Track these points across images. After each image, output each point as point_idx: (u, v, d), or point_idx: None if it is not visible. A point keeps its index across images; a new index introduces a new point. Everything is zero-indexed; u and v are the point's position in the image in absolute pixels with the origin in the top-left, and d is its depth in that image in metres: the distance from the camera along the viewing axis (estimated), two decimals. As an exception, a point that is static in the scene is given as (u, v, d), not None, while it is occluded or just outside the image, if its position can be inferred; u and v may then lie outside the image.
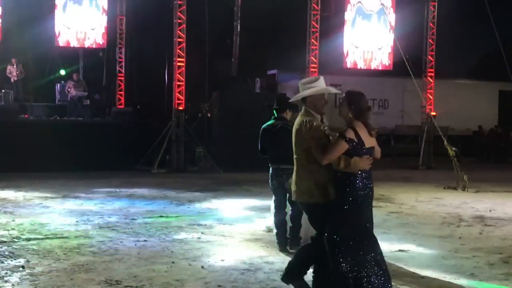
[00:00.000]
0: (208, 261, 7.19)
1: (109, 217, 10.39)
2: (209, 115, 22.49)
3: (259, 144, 8.38)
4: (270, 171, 8.14)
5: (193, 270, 6.78)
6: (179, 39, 20.71)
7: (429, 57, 24.43)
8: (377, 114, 29.39)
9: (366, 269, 5.26)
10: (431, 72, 24.65)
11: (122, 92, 24.99)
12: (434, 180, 18.05)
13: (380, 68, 25.25)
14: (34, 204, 11.80)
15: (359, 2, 24.01)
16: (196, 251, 7.77)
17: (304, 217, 7.85)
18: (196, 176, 18.79)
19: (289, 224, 7.97)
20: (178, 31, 20.64)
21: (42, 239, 8.41)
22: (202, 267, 6.90)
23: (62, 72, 24.51)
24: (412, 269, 7.02)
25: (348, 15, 23.67)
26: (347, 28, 23.65)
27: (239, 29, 22.24)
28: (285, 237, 7.95)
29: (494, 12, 20.32)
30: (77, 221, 9.89)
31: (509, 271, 6.97)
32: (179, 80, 20.81)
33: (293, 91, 27.01)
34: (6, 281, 6.19)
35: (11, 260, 7.08)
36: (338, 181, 5.40)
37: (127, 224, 9.71)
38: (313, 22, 22.59)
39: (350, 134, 5.34)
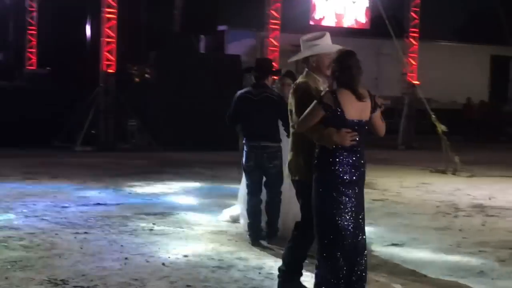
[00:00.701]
0: (169, 257, 7.24)
1: (34, 204, 10.38)
2: (146, 79, 22.25)
3: (231, 112, 8.39)
4: (246, 149, 8.21)
5: (152, 267, 6.84)
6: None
7: (412, 13, 24.71)
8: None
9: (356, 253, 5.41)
10: (415, 32, 24.97)
11: (33, 50, 24.66)
12: (418, 162, 18.55)
13: (355, 26, 25.50)
14: None
15: None
16: (151, 245, 7.81)
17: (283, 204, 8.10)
18: (131, 155, 18.80)
19: (263, 212, 8.14)
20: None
21: None
22: (163, 264, 6.96)
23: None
24: (411, 267, 7.18)
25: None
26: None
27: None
28: (259, 228, 8.10)
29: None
30: (-5, 210, 9.88)
31: None
32: (108, 36, 20.64)
33: (246, 52, 27.27)
34: None
35: None
36: (316, 158, 5.44)
37: (58, 213, 9.72)
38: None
39: (327, 99, 5.32)
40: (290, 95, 5.94)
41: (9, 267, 6.68)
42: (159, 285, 6.25)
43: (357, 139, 5.34)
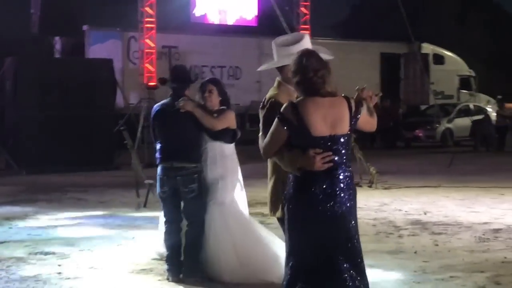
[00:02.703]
0: None
1: None
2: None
3: (152, 135, 8.23)
4: (158, 172, 7.89)
5: None
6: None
7: (302, 8, 25.05)
8: (228, 86, 29.94)
9: None
10: (306, 28, 25.32)
11: None
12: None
13: (241, 24, 25.53)
14: None
15: None
16: None
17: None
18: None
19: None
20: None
21: None
22: None
23: None
24: None
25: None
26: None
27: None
28: (179, 261, 7.78)
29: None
30: None
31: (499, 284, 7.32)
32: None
33: (110, 55, 26.68)
34: None
35: None
36: (289, 182, 5.09)
37: None
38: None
39: (288, 113, 4.93)
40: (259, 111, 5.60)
41: None
42: None
43: (335, 159, 4.92)
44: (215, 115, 7.69)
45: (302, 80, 5.01)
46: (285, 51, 5.56)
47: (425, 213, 12.55)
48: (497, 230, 10.85)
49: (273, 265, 7.44)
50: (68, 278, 7.94)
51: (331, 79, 5.03)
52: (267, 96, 5.66)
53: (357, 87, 5.31)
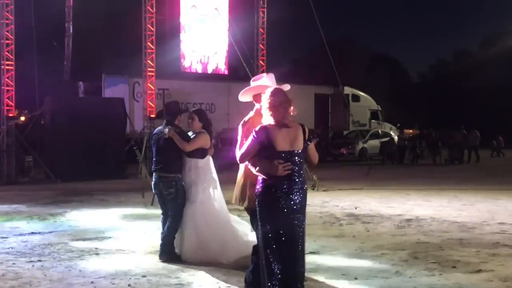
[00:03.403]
0: (130, 278, 6.59)
1: (-24, 237, 9.29)
2: (42, 122, 21.13)
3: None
4: (153, 178, 7.92)
5: None
6: (7, 41, 19.27)
7: (260, 61, 25.06)
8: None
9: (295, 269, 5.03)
10: (263, 60, 25.27)
11: None
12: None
13: (216, 72, 25.47)
14: None
15: (193, 6, 24.08)
16: (107, 268, 7.11)
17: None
18: (33, 188, 17.56)
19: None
20: (6, 32, 19.18)
21: None
22: (129, 285, 6.32)
23: None
24: (340, 272, 6.95)
25: (184, 19, 23.64)
26: (183, 32, 23.58)
27: (71, 31, 21.21)
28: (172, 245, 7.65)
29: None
30: None
31: (427, 266, 7.17)
32: (8, 85, 19.36)
33: (120, 95, 26.43)
34: None
35: None
36: (258, 183, 5.08)
37: (3, 244, 8.67)
38: (148, 25, 22.16)
39: (260, 134, 4.97)
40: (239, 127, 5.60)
41: (-12, 299, 5.83)
42: None
43: (293, 168, 4.94)
44: (194, 135, 7.58)
45: (270, 110, 5.03)
46: (256, 83, 5.68)
47: (355, 208, 12.52)
48: (409, 220, 10.85)
49: (226, 251, 7.34)
50: (103, 257, 7.79)
51: (290, 110, 5.07)
52: (247, 117, 5.69)
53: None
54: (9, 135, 19.23)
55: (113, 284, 6.40)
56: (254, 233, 5.70)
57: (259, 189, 5.04)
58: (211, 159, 7.81)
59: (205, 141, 7.60)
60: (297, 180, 5.00)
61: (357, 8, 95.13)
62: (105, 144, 20.26)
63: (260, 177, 5.02)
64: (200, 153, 7.58)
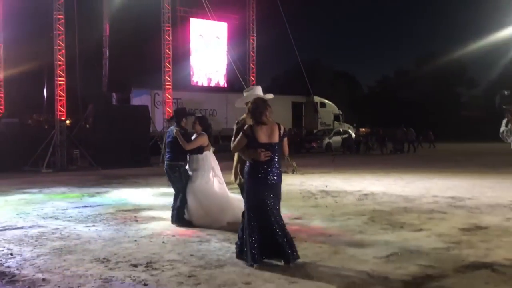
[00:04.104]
0: (163, 238, 6.64)
1: (42, 209, 9.30)
2: (87, 125, 21.11)
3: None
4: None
5: (158, 245, 6.26)
6: (59, 62, 19.28)
7: (251, 77, 25.16)
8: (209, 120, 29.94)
9: (272, 230, 5.18)
10: (254, 76, 25.40)
11: (2, 106, 22.72)
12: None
13: (217, 85, 25.49)
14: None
15: (200, 35, 24.08)
16: (145, 231, 7.15)
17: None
18: (80, 174, 17.59)
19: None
20: (59, 56, 19.19)
21: (2, 230, 7.25)
22: (163, 242, 6.39)
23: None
24: (320, 231, 7.02)
25: (193, 45, 23.67)
26: (193, 55, 23.61)
27: (107, 54, 21.21)
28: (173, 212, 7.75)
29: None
30: (17, 214, 8.73)
31: (382, 226, 7.27)
32: (60, 96, 19.37)
33: (144, 103, 26.44)
34: (8, 267, 5.28)
35: None
36: (246, 168, 5.31)
37: (64, 214, 8.73)
38: (166, 50, 22.20)
39: (247, 131, 5.22)
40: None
41: (59, 252, 5.88)
42: (172, 256, 5.68)
43: (271, 155, 5.18)
44: (195, 137, 7.60)
45: (253, 113, 5.24)
46: (249, 94, 5.84)
47: (326, 186, 12.57)
48: (366, 194, 10.94)
49: (224, 215, 7.40)
50: (142, 223, 7.82)
51: (269, 113, 5.27)
52: (240, 118, 5.90)
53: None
54: (61, 133, 19.26)
55: (151, 241, 6.48)
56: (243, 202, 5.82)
57: (247, 169, 5.26)
58: (211, 153, 7.76)
59: (203, 141, 7.60)
60: (273, 163, 5.23)
61: (323, 36, 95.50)
62: (134, 140, 20.35)
63: (248, 161, 5.24)
64: (197, 151, 7.59)
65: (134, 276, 4.89)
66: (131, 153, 19.86)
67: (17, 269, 5.21)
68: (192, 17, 24.52)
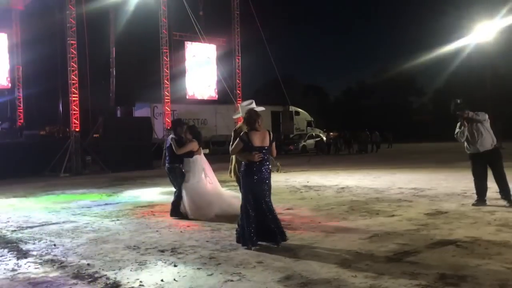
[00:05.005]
0: (180, 228, 6.75)
1: (69, 207, 9.30)
2: (98, 135, 21.01)
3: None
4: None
5: (177, 233, 6.36)
6: (73, 81, 19.18)
7: (238, 90, 25.30)
8: (200, 127, 29.97)
9: (265, 218, 5.37)
10: (239, 101, 25.51)
11: (22, 120, 22.50)
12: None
13: (209, 98, 25.59)
14: (-2, 204, 10.21)
15: (194, 55, 24.18)
16: (162, 223, 7.24)
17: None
18: (94, 176, 17.46)
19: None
20: (73, 76, 19.12)
21: (40, 226, 7.31)
22: (181, 231, 6.51)
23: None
24: (309, 219, 7.15)
25: (188, 64, 23.77)
26: (187, 73, 23.68)
27: (114, 73, 21.19)
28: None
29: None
30: (49, 212, 8.74)
31: (361, 213, 7.46)
32: (74, 110, 19.29)
33: (144, 115, 26.39)
34: (55, 255, 5.36)
35: (38, 242, 6.09)
36: (242, 167, 5.50)
37: (90, 211, 8.74)
38: (165, 69, 22.30)
39: (243, 136, 5.41)
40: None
41: (95, 243, 5.95)
42: (191, 242, 5.80)
43: (263, 157, 5.39)
44: (186, 144, 7.61)
45: (248, 122, 5.48)
46: (243, 108, 6.06)
47: (307, 182, 12.69)
48: (342, 188, 11.08)
49: (211, 208, 7.44)
50: (158, 217, 7.89)
51: (261, 122, 5.51)
52: (237, 126, 6.18)
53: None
54: (76, 142, 19.15)
55: (171, 231, 6.58)
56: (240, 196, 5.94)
57: (243, 168, 5.46)
58: (203, 156, 7.79)
59: (192, 147, 7.63)
60: (265, 163, 5.44)
61: (296, 54, 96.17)
62: (139, 147, 20.36)
63: (244, 162, 5.46)
64: (188, 154, 7.66)
65: (164, 259, 5.04)
66: (136, 157, 19.87)
67: (63, 257, 5.31)
68: (187, 41, 24.60)
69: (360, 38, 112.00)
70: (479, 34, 26.02)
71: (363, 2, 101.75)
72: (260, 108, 6.15)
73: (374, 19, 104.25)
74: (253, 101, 6.45)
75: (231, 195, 7.95)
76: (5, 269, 4.90)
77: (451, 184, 10.98)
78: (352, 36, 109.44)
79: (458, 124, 7.85)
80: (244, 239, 5.40)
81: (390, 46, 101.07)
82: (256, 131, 5.43)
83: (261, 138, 5.43)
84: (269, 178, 5.48)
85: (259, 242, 5.39)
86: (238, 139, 5.45)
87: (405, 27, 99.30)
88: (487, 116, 7.70)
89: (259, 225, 5.37)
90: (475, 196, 7.95)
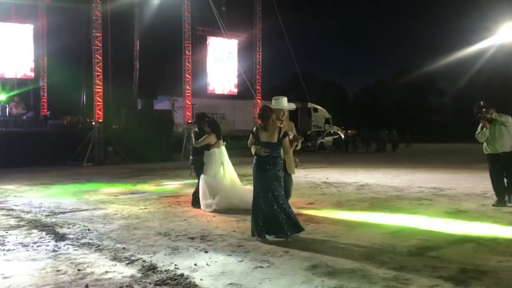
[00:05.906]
0: (206, 218, 6.98)
1: (97, 195, 9.62)
2: (119, 126, 21.38)
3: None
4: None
5: (204, 223, 6.59)
6: (97, 73, 19.60)
7: (257, 86, 25.51)
8: (219, 122, 30.09)
9: (272, 210, 5.52)
10: (259, 96, 25.77)
11: (45, 110, 23.05)
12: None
13: (229, 93, 25.81)
14: (28, 190, 10.60)
15: (215, 50, 24.43)
16: (189, 212, 7.49)
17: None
18: (116, 167, 17.86)
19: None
20: (97, 67, 19.54)
21: (72, 212, 7.64)
22: (208, 221, 6.71)
23: (2, 96, 21.53)
24: (331, 214, 7.28)
25: (209, 59, 24.03)
26: (208, 67, 23.96)
27: (138, 67, 21.56)
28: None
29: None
30: (78, 199, 9.06)
31: (383, 210, 7.61)
32: (98, 101, 19.70)
33: (165, 108, 26.70)
34: (90, 239, 5.66)
35: (72, 227, 6.40)
36: (254, 160, 5.66)
37: (117, 199, 9.03)
38: (186, 63, 22.56)
39: (254, 132, 5.66)
40: None
41: (127, 229, 6.23)
42: (218, 231, 6.03)
43: (269, 151, 5.52)
44: (204, 136, 7.72)
45: (261, 117, 5.65)
46: (275, 102, 6.13)
47: (327, 178, 12.78)
48: (362, 185, 11.17)
49: (229, 199, 7.55)
50: (182, 204, 8.12)
51: (274, 118, 5.64)
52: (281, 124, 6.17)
53: (293, 134, 5.98)
54: (99, 133, 19.52)
55: (198, 220, 6.82)
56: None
57: (254, 162, 5.67)
58: (222, 149, 7.82)
59: (209, 140, 7.75)
60: (272, 157, 5.58)
61: (316, 51, 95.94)
62: (160, 139, 20.69)
63: (254, 155, 5.66)
64: (205, 147, 7.80)
65: (195, 246, 5.31)
66: (157, 149, 20.16)
67: (99, 241, 5.61)
68: (209, 35, 24.88)
69: (378, 37, 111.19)
70: (504, 35, 25.79)
71: (385, 2, 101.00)
72: (291, 105, 6.30)
73: (394, 20, 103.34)
74: (285, 98, 6.44)
75: (248, 190, 7.92)
76: (46, 249, 5.21)
77: (470, 185, 11.04)
78: (370, 35, 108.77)
79: (480, 125, 7.95)
80: (253, 230, 5.62)
81: (409, 46, 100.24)
82: (267, 126, 5.58)
83: (269, 134, 5.60)
84: (277, 173, 5.58)
85: (269, 237, 5.50)
86: (251, 135, 5.65)
87: (427, 29, 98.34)
88: (510, 119, 7.79)
89: (267, 217, 5.53)
90: (495, 197, 8.04)
